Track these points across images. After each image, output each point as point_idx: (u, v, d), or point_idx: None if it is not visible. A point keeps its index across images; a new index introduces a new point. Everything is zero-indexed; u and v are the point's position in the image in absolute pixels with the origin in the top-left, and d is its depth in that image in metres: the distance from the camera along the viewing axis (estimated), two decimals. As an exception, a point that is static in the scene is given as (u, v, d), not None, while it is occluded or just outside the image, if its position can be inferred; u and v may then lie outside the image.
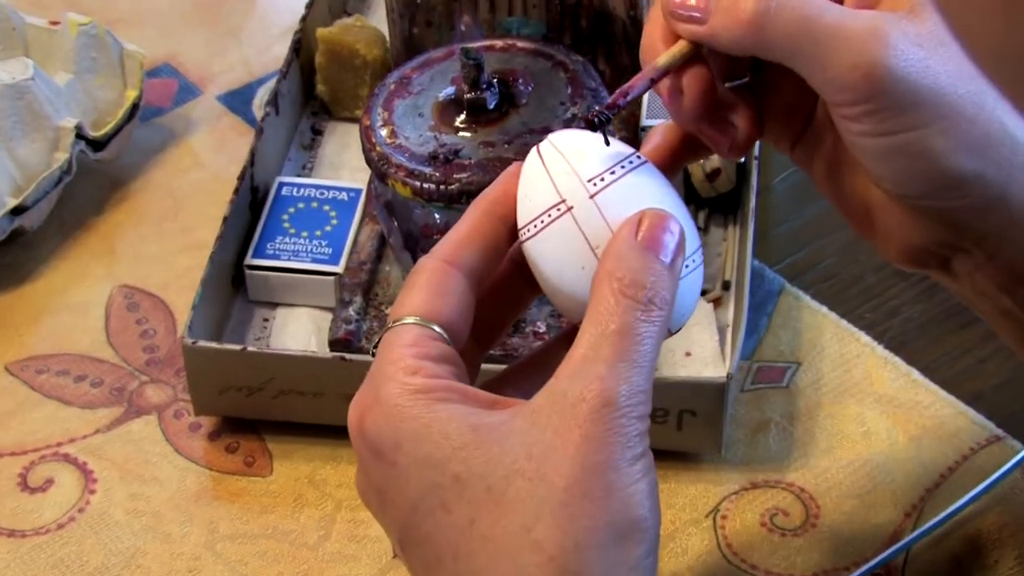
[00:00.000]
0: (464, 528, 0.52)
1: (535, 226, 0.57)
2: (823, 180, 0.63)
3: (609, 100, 0.58)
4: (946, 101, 0.56)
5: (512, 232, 0.59)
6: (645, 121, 0.86)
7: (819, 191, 0.64)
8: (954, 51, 0.56)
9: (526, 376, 0.60)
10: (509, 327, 0.62)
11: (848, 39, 0.55)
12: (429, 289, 0.57)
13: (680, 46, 0.59)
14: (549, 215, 0.57)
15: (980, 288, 0.61)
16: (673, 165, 0.62)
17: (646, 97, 0.87)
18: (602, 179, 0.57)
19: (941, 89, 0.56)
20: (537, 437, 0.52)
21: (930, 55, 0.56)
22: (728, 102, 0.61)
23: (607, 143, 0.57)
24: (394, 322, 0.56)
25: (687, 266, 0.57)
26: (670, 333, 0.57)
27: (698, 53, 0.59)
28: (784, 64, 0.57)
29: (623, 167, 0.57)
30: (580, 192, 0.56)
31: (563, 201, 0.57)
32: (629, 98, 0.58)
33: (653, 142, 0.62)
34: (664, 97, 0.60)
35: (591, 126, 0.57)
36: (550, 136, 0.58)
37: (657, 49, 0.60)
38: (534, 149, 0.58)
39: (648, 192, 0.57)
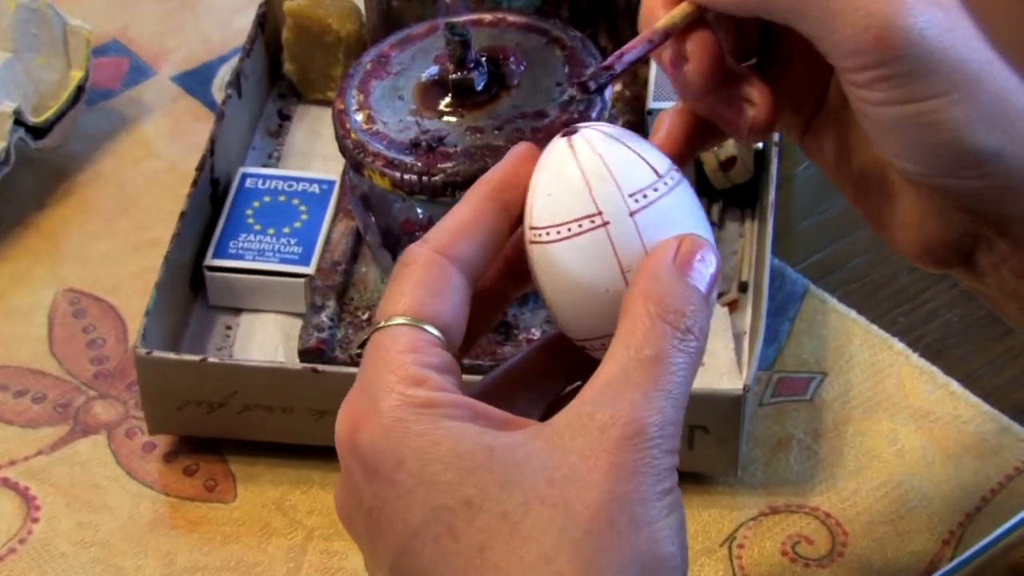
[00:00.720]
0: (472, 556, 0.53)
1: (559, 232, 0.57)
2: (835, 169, 0.64)
3: (605, 62, 0.58)
4: (966, 68, 0.56)
5: (515, 223, 0.59)
6: (652, 103, 0.87)
7: (832, 184, 0.65)
8: (969, 20, 0.56)
9: (512, 389, 0.61)
10: (489, 329, 0.62)
11: None
12: (424, 285, 0.57)
13: (682, 8, 0.59)
14: (580, 224, 0.57)
15: (1008, 286, 0.61)
16: (685, 155, 0.63)
17: (652, 78, 0.88)
18: (644, 196, 0.57)
19: (961, 55, 0.56)
20: (560, 461, 0.53)
21: (949, 17, 0.56)
22: (740, 76, 0.61)
23: (608, 111, 0.58)
24: (385, 321, 0.57)
25: None
26: None
27: (701, 16, 0.60)
28: (790, 26, 0.58)
29: (665, 183, 0.58)
30: (620, 207, 0.57)
31: (600, 214, 0.57)
32: (626, 61, 0.58)
33: (663, 130, 0.63)
34: (667, 68, 0.60)
35: (584, 90, 0.58)
36: (584, 130, 0.58)
37: (656, 12, 0.60)
38: (562, 140, 0.58)
39: (684, 215, 0.58)
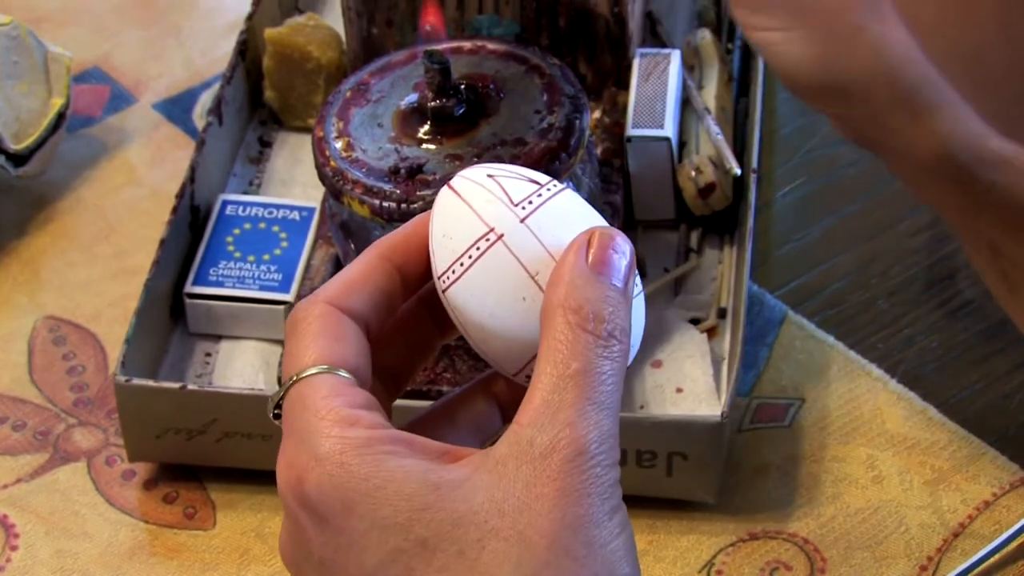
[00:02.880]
0: None
1: (461, 265, 0.58)
2: None
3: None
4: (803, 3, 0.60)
5: (408, 286, 0.60)
6: (631, 131, 0.87)
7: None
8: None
9: (446, 426, 0.61)
10: (417, 372, 0.63)
11: None
12: (327, 335, 0.57)
13: None
14: (478, 248, 0.57)
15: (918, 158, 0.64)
16: None
17: (631, 105, 0.88)
18: (530, 202, 0.58)
19: None
20: (507, 492, 0.53)
21: None
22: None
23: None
24: (297, 375, 0.57)
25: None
26: None
27: None
28: None
29: (548, 190, 0.59)
30: (509, 217, 0.57)
31: (492, 230, 0.57)
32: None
33: None
34: None
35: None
36: (460, 172, 0.59)
37: None
38: (444, 188, 0.59)
39: (577, 211, 0.59)
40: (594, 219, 0.59)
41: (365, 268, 0.59)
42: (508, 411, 0.62)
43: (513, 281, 0.57)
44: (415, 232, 0.60)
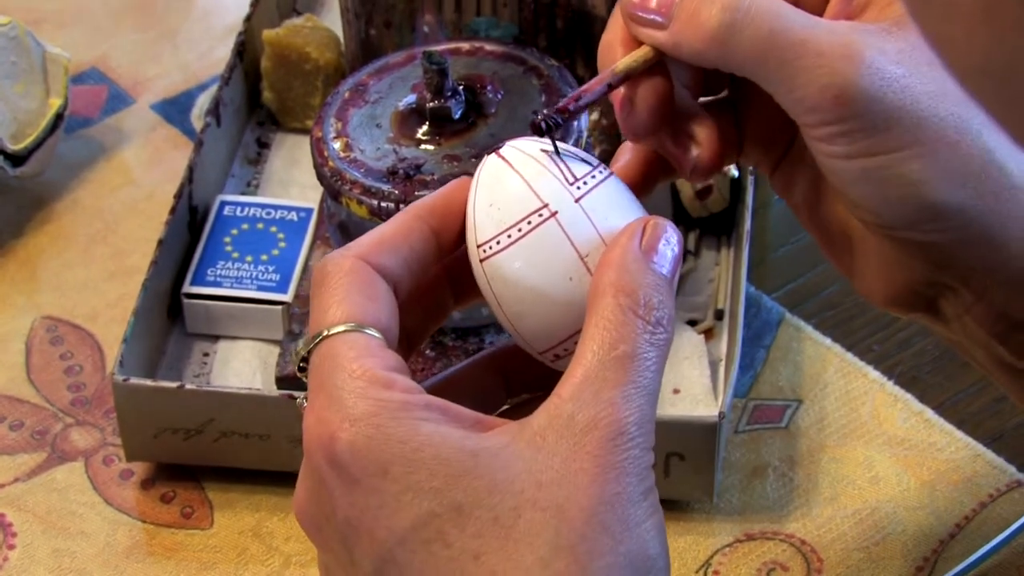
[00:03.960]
0: (466, 563, 0.53)
1: (509, 236, 0.57)
2: (803, 209, 0.64)
3: (560, 104, 0.58)
4: (925, 124, 0.57)
5: (442, 250, 0.59)
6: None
7: (800, 224, 0.65)
8: (938, 70, 0.56)
9: (452, 397, 0.58)
10: (426, 339, 0.62)
11: (819, 56, 0.57)
12: (358, 290, 0.57)
13: (643, 51, 0.60)
14: (529, 222, 0.57)
15: (972, 334, 0.62)
16: (644, 184, 0.63)
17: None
18: (585, 183, 0.58)
19: (920, 111, 0.57)
20: (546, 464, 0.53)
21: (910, 73, 0.57)
22: (690, 115, 0.62)
23: (556, 151, 0.58)
24: (327, 330, 0.56)
25: None
26: None
27: (659, 60, 0.60)
28: (751, 79, 0.59)
29: (600, 172, 0.58)
30: (565, 196, 0.57)
31: (546, 206, 0.57)
32: (583, 103, 0.59)
33: (622, 160, 0.63)
34: (616, 107, 0.61)
35: (538, 131, 0.58)
36: (510, 142, 0.59)
37: (615, 53, 0.60)
38: (492, 156, 0.58)
39: (627, 199, 0.59)
40: (638, 208, 0.59)
41: (400, 227, 0.59)
42: (515, 388, 0.62)
43: (563, 260, 0.57)
44: (454, 197, 0.59)
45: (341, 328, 0.56)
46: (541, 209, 0.57)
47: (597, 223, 0.57)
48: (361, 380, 0.55)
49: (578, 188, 0.57)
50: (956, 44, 0.40)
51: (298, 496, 0.57)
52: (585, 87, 0.59)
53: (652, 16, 0.59)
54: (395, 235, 0.58)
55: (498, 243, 0.57)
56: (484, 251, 0.57)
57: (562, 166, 0.58)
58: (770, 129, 0.63)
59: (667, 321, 0.56)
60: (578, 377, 0.54)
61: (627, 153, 0.63)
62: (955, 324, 0.62)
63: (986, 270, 0.59)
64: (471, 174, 0.76)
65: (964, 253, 0.59)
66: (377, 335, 0.56)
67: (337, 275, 0.57)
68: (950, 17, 0.40)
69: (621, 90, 0.60)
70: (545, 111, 0.58)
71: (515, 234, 0.57)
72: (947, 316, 0.62)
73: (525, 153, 0.58)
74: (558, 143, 0.58)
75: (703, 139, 0.62)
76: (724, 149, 0.62)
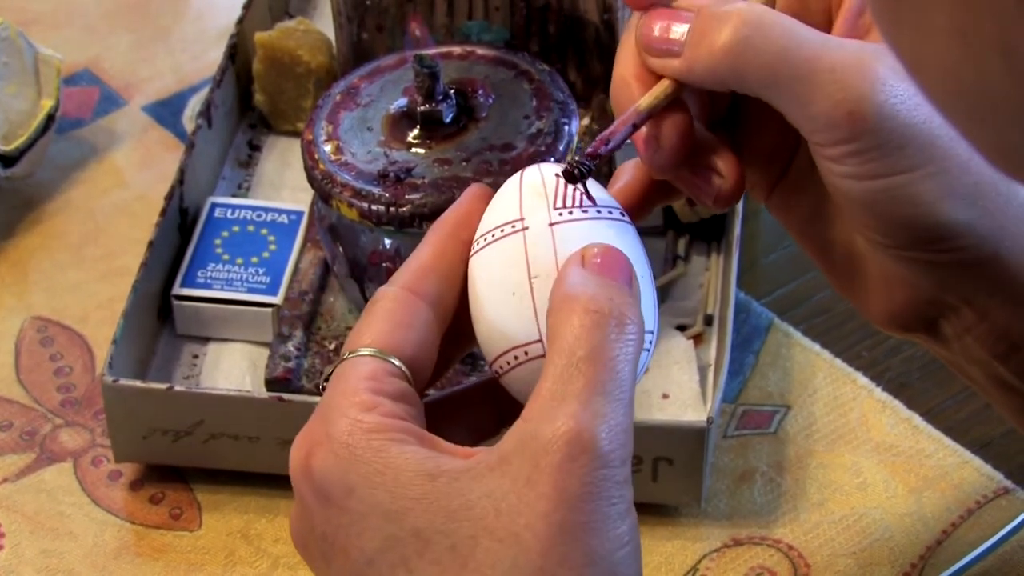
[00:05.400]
0: None
1: (487, 238, 0.58)
2: (801, 231, 0.64)
3: (589, 149, 0.58)
4: (938, 142, 0.56)
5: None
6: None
7: (797, 244, 0.65)
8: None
9: (443, 420, 0.60)
10: (454, 363, 0.62)
11: (832, 72, 0.56)
12: (390, 320, 0.57)
13: (663, 86, 0.60)
14: (503, 229, 0.58)
15: (972, 354, 0.61)
16: (643, 207, 0.63)
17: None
18: (571, 212, 0.58)
19: (932, 128, 0.56)
20: (507, 489, 0.52)
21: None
22: (709, 146, 0.61)
23: (587, 193, 0.58)
24: (349, 353, 0.57)
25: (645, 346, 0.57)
26: None
27: (680, 94, 0.60)
28: (763, 98, 0.58)
29: (601, 211, 0.58)
30: (542, 216, 0.58)
31: (521, 219, 0.58)
32: (611, 146, 0.59)
33: (622, 180, 0.63)
34: (639, 146, 0.60)
35: (571, 178, 0.58)
36: (543, 164, 0.60)
37: (632, 89, 0.60)
38: (524, 169, 0.60)
39: (620, 245, 0.58)
40: (632, 258, 0.57)
41: (434, 249, 0.59)
42: (508, 416, 0.61)
43: (513, 273, 0.57)
44: (472, 206, 0.60)
45: (361, 352, 0.57)
46: (516, 221, 0.58)
47: (560, 250, 0.57)
48: (348, 400, 0.55)
49: (559, 215, 0.58)
50: (927, 66, 0.40)
51: (292, 514, 0.58)
52: (610, 130, 0.59)
53: (668, 46, 0.59)
54: (431, 259, 0.59)
55: (477, 244, 0.59)
56: (473, 248, 0.59)
57: (564, 193, 0.58)
58: (767, 155, 0.63)
59: (631, 315, 0.54)
60: (543, 394, 0.53)
61: (626, 175, 0.63)
62: (955, 344, 0.61)
63: (990, 289, 0.59)
64: (462, 178, 0.77)
65: (970, 272, 0.59)
66: (396, 362, 0.56)
67: (378, 303, 0.58)
68: (922, 39, 0.39)
69: (643, 130, 0.59)
70: (577, 158, 0.58)
71: (489, 238, 0.58)
72: (947, 336, 0.61)
73: (541, 173, 0.59)
74: (593, 182, 0.59)
75: (725, 169, 0.61)
76: (743, 175, 0.61)
